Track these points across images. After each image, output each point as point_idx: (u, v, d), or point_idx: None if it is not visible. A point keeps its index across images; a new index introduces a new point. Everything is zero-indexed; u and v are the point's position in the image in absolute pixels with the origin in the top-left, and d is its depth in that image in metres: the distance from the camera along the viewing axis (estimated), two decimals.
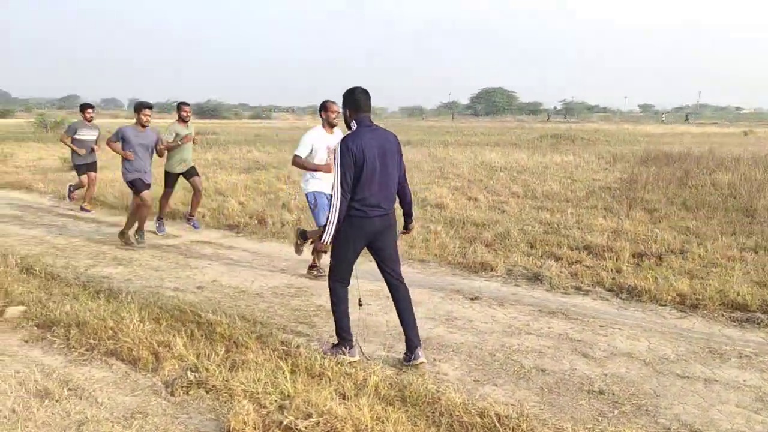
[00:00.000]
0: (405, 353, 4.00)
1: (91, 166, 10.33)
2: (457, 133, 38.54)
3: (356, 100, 3.88)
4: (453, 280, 6.15)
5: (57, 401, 3.29)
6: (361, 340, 4.44)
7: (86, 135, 10.20)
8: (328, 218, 3.81)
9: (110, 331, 4.09)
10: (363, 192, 3.76)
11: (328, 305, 5.19)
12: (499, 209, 9.84)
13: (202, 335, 4.22)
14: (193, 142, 8.65)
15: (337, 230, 3.80)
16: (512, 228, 8.09)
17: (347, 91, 3.93)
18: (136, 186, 7.42)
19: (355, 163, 3.71)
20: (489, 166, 16.33)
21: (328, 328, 4.67)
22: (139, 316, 4.38)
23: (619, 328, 4.82)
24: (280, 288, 5.77)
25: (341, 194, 3.72)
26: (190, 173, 8.53)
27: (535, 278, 6.13)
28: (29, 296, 4.97)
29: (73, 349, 3.99)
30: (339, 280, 4.00)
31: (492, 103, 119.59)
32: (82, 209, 10.01)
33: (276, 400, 3.27)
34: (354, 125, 3.89)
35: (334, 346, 4.07)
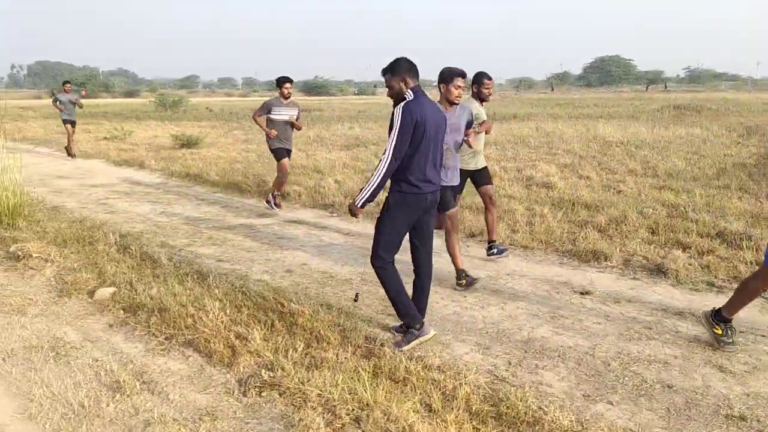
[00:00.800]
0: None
1: (289, 152, 8.58)
2: (567, 105, 36.56)
3: (411, 69, 3.67)
4: (560, 271, 5.53)
5: (128, 396, 3.13)
6: (454, 338, 4.00)
7: (282, 114, 8.37)
8: (369, 181, 3.59)
9: (190, 320, 3.91)
10: (418, 165, 3.57)
11: None
12: (614, 189, 8.95)
13: (283, 326, 3.95)
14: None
15: (373, 198, 3.60)
16: (630, 211, 7.26)
17: (402, 59, 3.71)
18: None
19: (415, 132, 3.50)
20: (603, 140, 15.14)
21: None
22: (220, 304, 4.19)
23: (763, 335, 4.05)
24: (370, 274, 5.39)
25: (392, 159, 3.50)
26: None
27: (658, 270, 5.38)
28: (121, 277, 4.95)
29: (153, 337, 3.86)
30: (385, 257, 3.74)
31: (607, 72, 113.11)
32: (273, 204, 8.37)
33: (353, 410, 2.92)
34: (410, 95, 3.63)
35: (404, 333, 3.79)
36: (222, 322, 3.87)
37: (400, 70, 3.64)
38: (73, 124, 14.79)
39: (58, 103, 14.82)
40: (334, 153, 13.93)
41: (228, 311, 4.10)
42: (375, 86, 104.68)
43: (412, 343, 3.72)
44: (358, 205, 3.65)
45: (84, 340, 3.87)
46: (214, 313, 3.97)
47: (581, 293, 4.91)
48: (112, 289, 4.63)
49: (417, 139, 3.52)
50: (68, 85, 15.39)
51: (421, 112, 3.53)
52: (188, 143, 15.59)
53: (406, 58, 3.71)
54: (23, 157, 14.55)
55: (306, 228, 7.31)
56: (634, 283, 5.19)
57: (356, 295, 4.17)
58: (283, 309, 4.22)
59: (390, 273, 3.75)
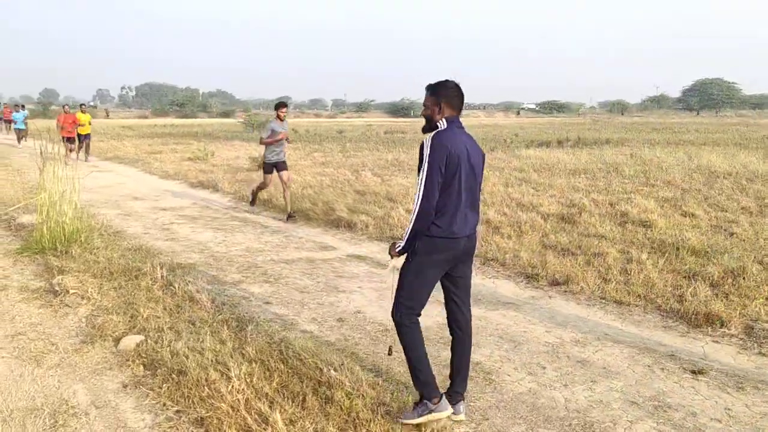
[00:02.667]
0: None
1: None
2: (665, 131, 34.29)
3: (456, 96, 3.22)
4: (664, 338, 4.55)
5: None
6: (528, 430, 3.18)
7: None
8: (410, 224, 3.15)
9: (206, 390, 3.32)
10: (450, 206, 3.12)
11: (488, 362, 4.04)
12: (725, 231, 7.74)
13: (316, 402, 3.28)
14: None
15: (412, 242, 3.16)
16: (747, 260, 6.12)
17: (449, 82, 3.24)
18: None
19: (447, 166, 3.07)
20: (708, 171, 13.65)
21: (483, 401, 3.47)
22: (248, 368, 3.57)
23: None
24: (433, 329, 4.67)
25: (426, 196, 3.06)
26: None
27: None
28: (154, 322, 4.47)
29: (164, 408, 3.29)
30: (411, 313, 3.22)
31: (708, 96, 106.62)
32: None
33: None
34: (443, 124, 3.19)
35: (417, 405, 3.19)
36: (243, 395, 3.24)
37: (440, 91, 3.21)
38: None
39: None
40: (411, 178, 13.29)
41: (255, 379, 3.47)
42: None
43: (423, 418, 3.13)
44: (397, 251, 3.24)
45: (90, 405, 3.36)
46: (236, 382, 3.35)
47: (692, 372, 3.94)
48: (138, 338, 4.14)
49: (450, 175, 3.08)
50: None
51: (455, 144, 3.11)
52: None
53: (455, 83, 3.25)
54: (108, 176, 15.02)
55: (368, 265, 6.65)
56: (761, 360, 4.15)
57: (390, 349, 3.57)
58: (320, 377, 3.55)
59: (412, 331, 3.23)
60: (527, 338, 4.48)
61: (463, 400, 3.30)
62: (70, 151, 16.47)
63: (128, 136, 31.04)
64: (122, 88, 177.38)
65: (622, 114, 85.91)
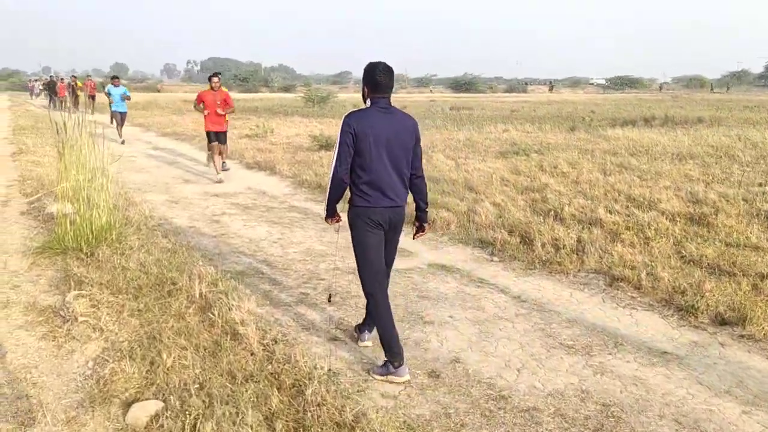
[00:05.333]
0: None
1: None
2: (760, 108, 31.03)
3: (375, 80, 3.45)
4: None
5: None
6: None
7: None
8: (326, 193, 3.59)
9: None
10: (366, 177, 3.44)
11: None
12: None
13: None
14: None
15: (331, 207, 3.60)
16: None
17: (368, 65, 3.50)
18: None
19: (355, 142, 3.40)
20: None
21: None
22: None
23: None
24: (568, 396, 3.26)
25: (333, 171, 3.45)
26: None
27: None
28: (179, 374, 3.24)
29: None
30: (375, 282, 3.54)
31: None
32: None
33: None
34: (367, 104, 3.50)
35: (383, 365, 3.52)
36: None
37: (365, 77, 3.50)
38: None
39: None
40: (489, 162, 11.75)
41: None
42: (526, 83, 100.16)
43: (384, 378, 3.47)
44: (325, 217, 3.70)
45: None
46: None
47: None
48: (154, 408, 2.90)
49: (363, 150, 3.40)
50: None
51: (363, 122, 3.40)
52: (328, 144, 14.16)
53: (378, 66, 3.47)
54: (163, 154, 14.12)
55: (457, 281, 5.26)
56: None
57: (329, 296, 4.15)
58: None
59: (379, 302, 3.54)
60: (718, 423, 3.01)
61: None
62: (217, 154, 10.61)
63: (189, 110, 30.48)
64: (188, 62, 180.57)
65: (712, 89, 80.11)
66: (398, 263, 5.72)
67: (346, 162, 3.40)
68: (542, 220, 6.88)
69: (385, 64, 3.47)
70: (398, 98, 54.05)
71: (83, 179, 5.57)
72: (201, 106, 10.27)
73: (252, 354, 3.56)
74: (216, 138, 10.41)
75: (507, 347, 3.91)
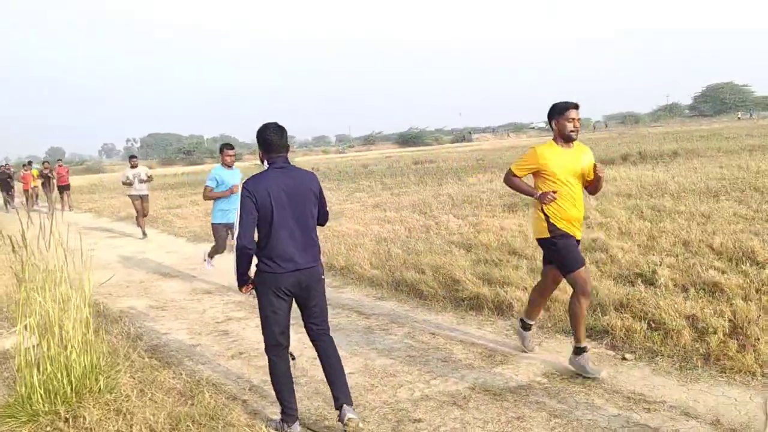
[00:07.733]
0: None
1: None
2: (714, 137, 31.27)
3: (267, 140, 3.48)
4: None
5: None
6: None
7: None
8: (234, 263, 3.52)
9: None
10: (271, 243, 3.39)
11: None
12: None
13: None
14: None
15: (241, 277, 3.48)
16: None
17: (259, 128, 3.53)
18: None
19: (257, 208, 3.35)
20: None
21: None
22: None
23: None
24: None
25: (240, 236, 3.34)
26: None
27: None
28: None
29: None
30: (275, 347, 3.52)
31: (720, 101, 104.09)
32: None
33: None
34: (265, 167, 3.51)
35: (279, 421, 3.55)
36: None
37: (258, 140, 3.52)
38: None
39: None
40: (503, 218, 10.44)
41: None
42: (470, 132, 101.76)
43: None
44: (238, 287, 3.57)
45: None
46: None
47: None
48: None
49: (266, 215, 3.36)
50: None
51: (263, 185, 3.37)
52: None
53: (268, 127, 3.50)
54: (125, 244, 12.21)
55: (612, 404, 3.76)
56: None
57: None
58: None
59: (276, 365, 3.52)
60: None
61: (349, 404, 3.47)
62: None
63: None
64: (127, 140, 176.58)
65: (671, 122, 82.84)
66: (492, 377, 4.09)
67: (250, 229, 3.37)
68: (640, 291, 5.51)
69: (276, 123, 3.53)
70: (351, 157, 53.09)
71: (52, 308, 3.87)
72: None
73: None
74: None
75: None
